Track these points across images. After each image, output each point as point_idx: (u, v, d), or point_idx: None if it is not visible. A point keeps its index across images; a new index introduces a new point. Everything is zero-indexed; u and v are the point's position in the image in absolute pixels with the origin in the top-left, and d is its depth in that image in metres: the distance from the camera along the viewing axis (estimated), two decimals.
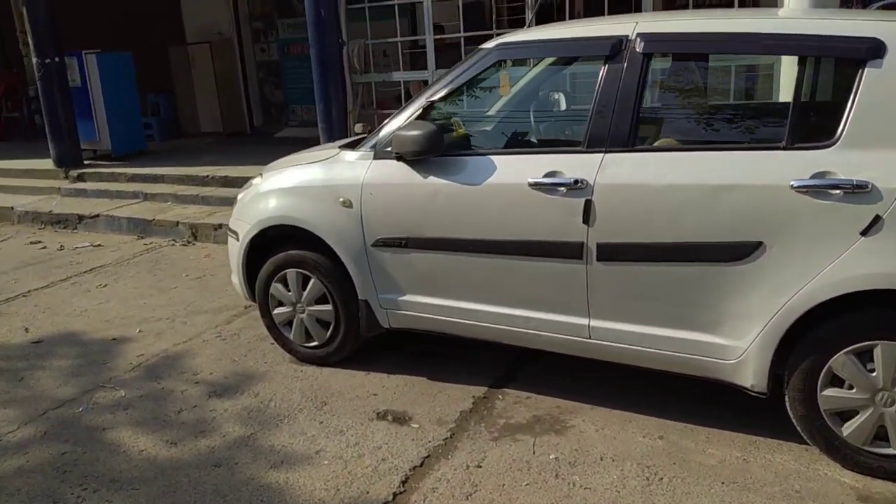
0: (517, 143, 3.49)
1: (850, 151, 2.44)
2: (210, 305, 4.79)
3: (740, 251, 2.60)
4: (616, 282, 2.86)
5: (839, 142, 2.46)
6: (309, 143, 9.26)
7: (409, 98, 4.10)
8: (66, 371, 3.89)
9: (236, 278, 3.93)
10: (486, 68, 3.18)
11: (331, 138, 6.62)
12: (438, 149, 3.08)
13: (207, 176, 7.50)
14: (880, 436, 2.55)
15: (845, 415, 2.60)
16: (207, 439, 3.11)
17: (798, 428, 2.72)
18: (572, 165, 2.87)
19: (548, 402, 3.27)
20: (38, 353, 4.16)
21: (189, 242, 6.46)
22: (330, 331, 3.65)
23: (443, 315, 3.32)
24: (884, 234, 2.38)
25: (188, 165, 8.09)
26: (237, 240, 3.82)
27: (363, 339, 3.64)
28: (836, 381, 2.58)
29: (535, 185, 2.91)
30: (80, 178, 8.17)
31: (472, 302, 3.23)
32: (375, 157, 3.34)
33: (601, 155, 2.82)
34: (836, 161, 2.45)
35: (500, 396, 3.35)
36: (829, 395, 2.59)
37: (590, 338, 3.00)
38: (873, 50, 2.42)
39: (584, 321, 2.98)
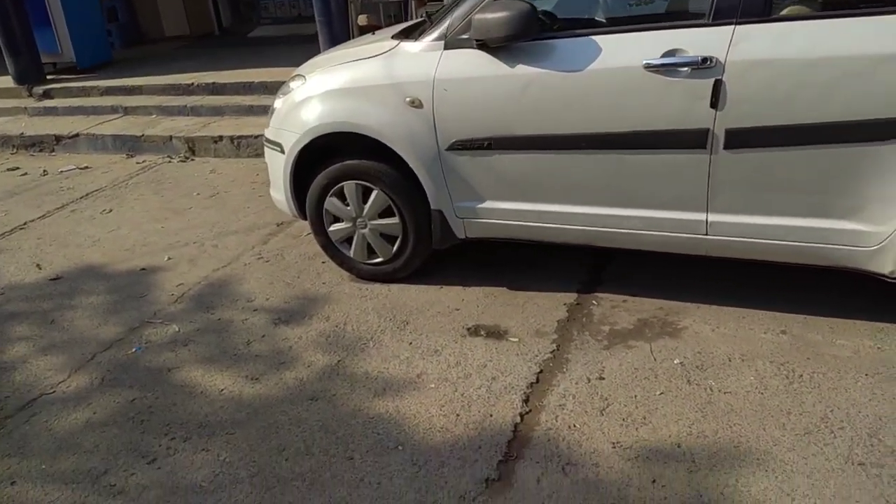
0: (624, 19, 3.11)
1: None
2: (237, 225, 4.42)
3: (893, 128, 2.35)
4: (744, 171, 2.59)
5: None
6: (289, 41, 8.64)
7: None
8: (101, 309, 3.54)
9: (280, 194, 3.56)
10: None
11: (330, 33, 6.09)
12: (533, 31, 2.70)
13: (192, 84, 6.90)
14: None
15: None
16: (292, 371, 2.85)
17: None
18: (696, 42, 2.53)
19: (647, 303, 3.07)
20: (61, 292, 3.77)
21: (187, 158, 5.97)
22: (397, 245, 3.35)
23: (532, 221, 3.04)
24: None
25: (165, 74, 7.43)
26: (281, 152, 3.42)
27: (432, 252, 3.35)
28: None
29: (653, 67, 2.57)
30: (47, 94, 7.46)
31: (567, 204, 2.94)
32: (447, 47, 2.94)
33: (731, 27, 2.48)
34: None
35: (594, 302, 3.13)
36: None
37: (707, 234, 2.76)
38: None
39: (702, 216, 2.74)
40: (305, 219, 3.54)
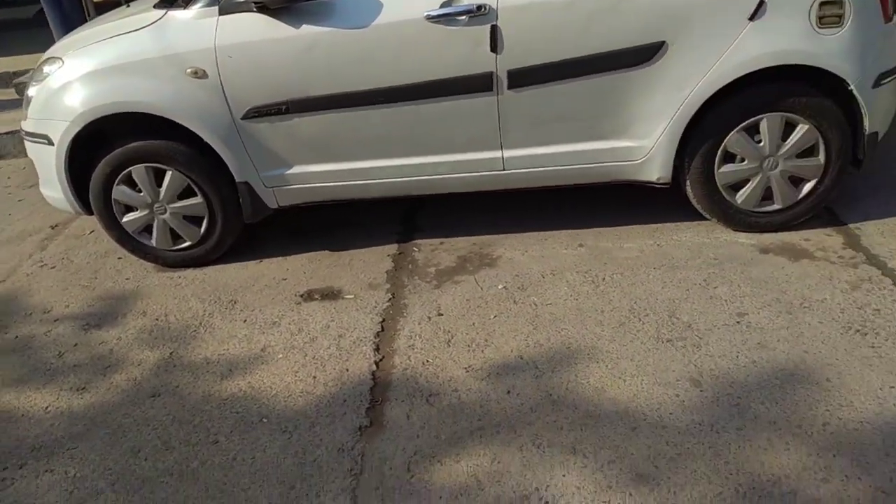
0: None
1: None
2: (2, 236, 3.92)
3: (646, 53, 2.73)
4: (528, 107, 2.86)
5: None
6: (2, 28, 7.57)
7: None
8: None
9: (55, 192, 3.21)
10: None
11: (61, 13, 5.55)
12: None
13: None
14: (766, 196, 3.00)
15: (737, 185, 2.99)
16: (121, 373, 2.65)
17: (698, 207, 3.08)
18: None
19: (463, 242, 3.29)
20: None
21: None
22: (204, 226, 3.21)
23: (341, 180, 3.08)
24: (767, 16, 2.66)
25: None
26: (49, 144, 3.08)
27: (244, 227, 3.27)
28: (728, 158, 2.93)
29: (433, 18, 2.72)
30: None
31: (372, 159, 3.03)
32: (222, 13, 2.84)
33: None
34: None
35: (415, 248, 3.28)
36: (725, 171, 2.94)
37: (504, 169, 3.02)
38: None
39: (498, 154, 2.98)
40: (91, 213, 3.24)
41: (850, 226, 3.03)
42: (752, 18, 2.67)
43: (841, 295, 2.60)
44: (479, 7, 2.70)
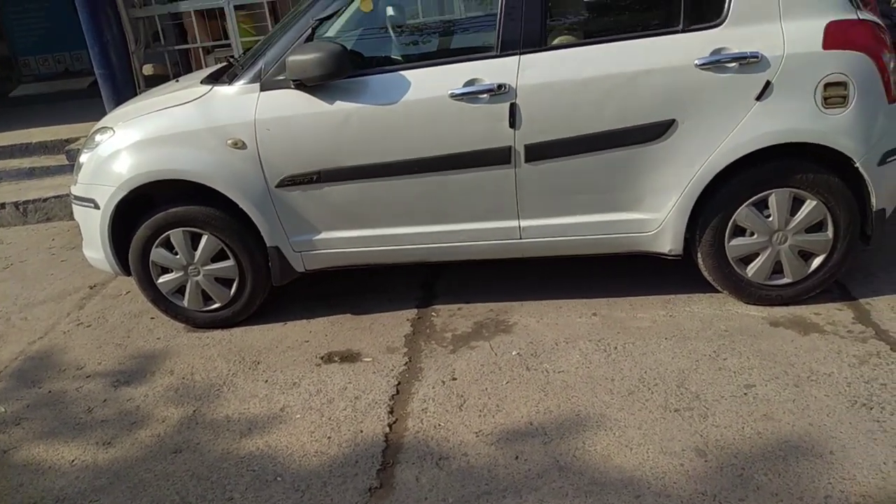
0: (426, 54, 3.40)
1: (737, 28, 2.78)
2: (44, 294, 4.12)
3: (657, 130, 2.86)
4: (544, 179, 3.00)
5: (727, 20, 2.79)
6: (59, 98, 8.08)
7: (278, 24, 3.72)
8: None
9: (97, 253, 3.41)
10: None
11: (114, 85, 5.87)
12: (346, 70, 2.91)
13: None
14: (777, 270, 3.05)
15: (748, 259, 3.06)
16: (146, 429, 2.77)
17: (709, 279, 3.14)
18: (490, 71, 2.89)
19: (479, 308, 3.38)
20: None
21: None
22: (234, 288, 3.37)
23: (366, 246, 3.23)
24: (774, 96, 2.78)
25: None
26: (95, 208, 3.30)
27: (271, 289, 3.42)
28: (738, 232, 3.01)
29: (457, 96, 2.90)
30: None
31: (397, 226, 3.17)
32: (263, 89, 3.06)
33: (517, 57, 2.88)
34: (728, 37, 2.78)
35: (433, 314, 3.39)
36: (736, 245, 3.01)
37: (521, 238, 3.13)
38: None
39: (515, 223, 3.10)
40: (128, 274, 3.43)
41: (861, 301, 3.06)
42: (759, 98, 2.79)
43: (848, 369, 2.62)
44: (500, 86, 2.87)
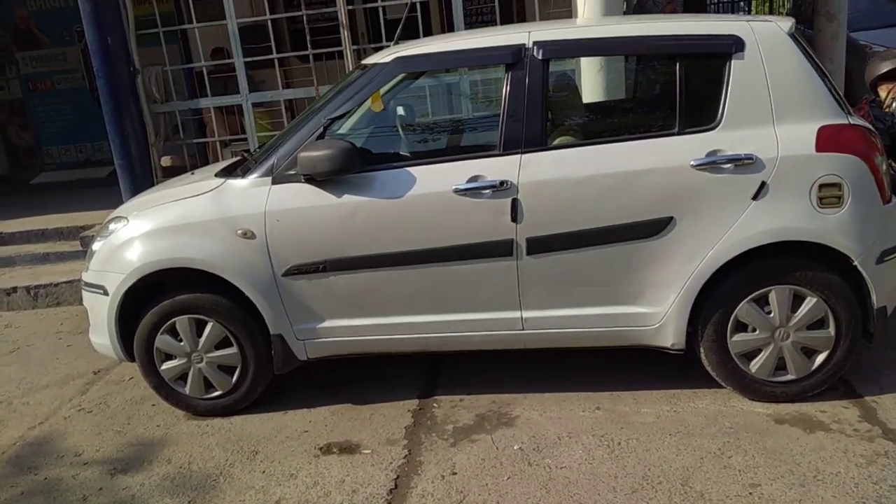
0: (431, 152, 3.54)
1: (732, 131, 2.89)
2: (47, 379, 4.12)
3: (656, 227, 2.93)
4: (546, 272, 3.04)
5: (721, 124, 2.90)
6: (78, 186, 8.32)
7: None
8: None
9: (103, 339, 3.44)
10: (387, 82, 3.19)
11: (132, 175, 6.03)
12: (355, 166, 3.03)
13: None
14: (781, 366, 3.04)
15: (751, 354, 3.05)
16: None
17: (713, 374, 3.13)
18: (493, 168, 3.00)
19: (482, 399, 3.36)
20: None
21: None
22: (236, 376, 3.37)
23: (369, 335, 3.25)
24: (770, 196, 2.86)
25: None
26: (104, 294, 3.35)
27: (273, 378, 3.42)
28: (740, 328, 3.02)
29: (461, 191, 2.99)
30: None
31: (400, 315, 3.21)
32: (275, 182, 3.17)
33: (519, 156, 2.99)
34: (723, 140, 2.89)
35: (434, 405, 3.36)
36: (738, 340, 3.02)
37: (523, 329, 3.15)
38: (737, 45, 2.89)
39: (517, 314, 3.13)
40: (133, 360, 3.44)
41: (867, 398, 3.03)
42: (755, 198, 2.87)
43: (856, 469, 2.57)
44: (502, 183, 2.97)
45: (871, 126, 3.09)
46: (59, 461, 3.20)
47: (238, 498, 2.79)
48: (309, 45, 5.61)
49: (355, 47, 5.76)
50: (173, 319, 3.32)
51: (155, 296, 3.36)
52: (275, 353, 3.30)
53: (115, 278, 3.30)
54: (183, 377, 3.41)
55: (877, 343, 3.04)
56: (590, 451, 2.88)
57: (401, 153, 3.73)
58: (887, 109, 4.39)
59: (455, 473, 2.81)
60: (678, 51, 2.97)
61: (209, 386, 3.41)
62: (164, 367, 3.40)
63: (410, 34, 5.15)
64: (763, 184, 2.85)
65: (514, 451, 2.92)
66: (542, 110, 3.00)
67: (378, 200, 3.06)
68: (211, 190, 3.29)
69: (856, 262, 2.87)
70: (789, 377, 3.04)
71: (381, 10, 5.61)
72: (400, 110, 4.08)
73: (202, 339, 3.32)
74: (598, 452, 2.86)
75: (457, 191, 3.00)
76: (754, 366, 3.05)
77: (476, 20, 7.87)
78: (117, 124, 5.90)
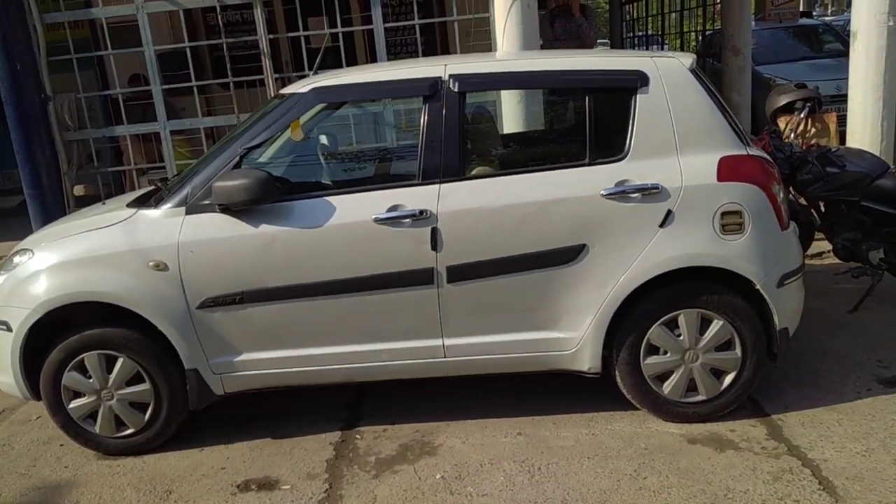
0: (351, 181, 3.53)
1: (639, 162, 3.01)
2: None
3: (569, 254, 3.01)
4: (466, 299, 3.08)
5: (629, 155, 3.02)
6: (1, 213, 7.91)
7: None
8: None
9: (7, 377, 3.26)
10: (304, 111, 3.19)
11: (43, 205, 5.83)
12: (272, 196, 3.00)
13: None
14: (692, 387, 3.15)
15: (663, 376, 3.15)
16: None
17: (628, 396, 3.21)
18: (413, 198, 3.03)
19: (405, 429, 3.35)
20: None
21: None
22: (149, 413, 3.25)
23: (288, 367, 3.20)
24: (676, 224, 2.98)
25: None
26: (7, 330, 3.19)
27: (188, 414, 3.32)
28: (653, 350, 3.12)
29: (381, 220, 3.01)
30: None
31: (320, 346, 3.17)
32: (189, 212, 3.10)
33: (438, 185, 3.03)
34: (630, 170, 3.00)
35: (357, 436, 3.33)
36: (651, 363, 3.12)
37: (445, 357, 3.17)
38: (642, 80, 3.02)
39: (439, 342, 3.15)
40: (39, 399, 3.28)
41: (773, 416, 3.17)
42: (662, 226, 2.99)
43: (763, 486, 2.67)
44: (421, 212, 3.00)
45: (768, 156, 3.28)
46: None
47: None
48: (230, 73, 5.54)
49: (278, 76, 5.73)
50: (82, 355, 3.19)
51: (61, 331, 3.22)
52: (190, 389, 3.21)
53: (19, 313, 3.15)
54: (93, 415, 3.27)
55: (781, 363, 3.19)
56: (511, 477, 2.90)
57: (322, 182, 3.72)
58: (786, 140, 4.66)
59: None
60: (587, 85, 3.09)
61: (120, 424, 3.28)
62: (72, 405, 3.25)
63: (334, 64, 5.19)
64: (669, 212, 2.98)
65: (437, 481, 2.92)
66: (459, 141, 3.06)
67: (296, 230, 3.04)
68: (122, 220, 3.20)
69: (758, 286, 3.01)
70: (700, 398, 3.15)
71: (303, 39, 5.60)
72: (323, 139, 4.08)
73: (112, 376, 3.20)
74: (518, 478, 2.88)
75: (377, 220, 3.01)
76: (667, 387, 3.15)
77: (400, 51, 7.96)
78: (27, 153, 5.70)
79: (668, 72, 3.06)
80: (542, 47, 7.08)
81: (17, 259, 3.31)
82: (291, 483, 2.98)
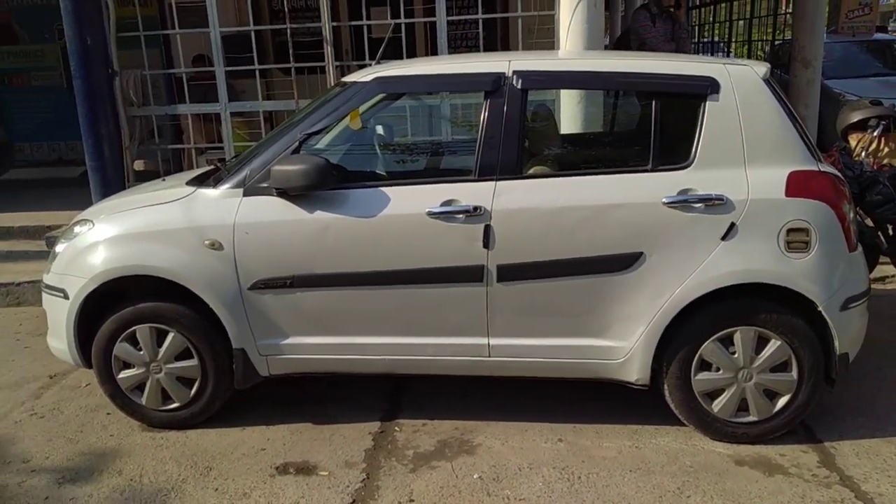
0: (407, 173, 3.52)
1: (704, 171, 2.92)
2: (1, 380, 4.00)
3: (625, 261, 2.94)
4: (515, 300, 3.03)
5: (694, 163, 2.93)
6: (49, 185, 8.17)
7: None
8: None
9: (61, 343, 3.35)
10: (366, 101, 3.18)
11: (103, 178, 5.93)
12: (329, 183, 3.00)
13: None
14: (743, 407, 3.05)
15: (714, 394, 3.06)
16: None
17: (675, 411, 3.13)
18: (467, 193, 2.99)
19: (445, 425, 3.32)
20: None
21: None
22: (195, 389, 3.30)
23: (333, 354, 3.21)
24: (738, 237, 2.88)
25: None
26: (64, 298, 3.27)
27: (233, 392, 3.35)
28: (705, 366, 3.03)
29: (434, 214, 2.98)
30: None
31: (365, 336, 3.17)
32: (246, 194, 3.13)
33: (494, 183, 2.99)
34: (694, 179, 2.91)
35: (396, 428, 3.32)
36: (702, 379, 3.03)
37: (489, 356, 3.13)
38: (712, 87, 2.93)
39: (484, 341, 3.11)
40: (90, 367, 3.36)
41: (826, 444, 3.05)
42: (724, 238, 2.89)
43: None
44: (476, 208, 2.96)
45: (840, 174, 3.15)
46: (5, 467, 3.09)
47: None
48: (292, 59, 5.58)
49: (338, 63, 5.75)
50: (134, 328, 3.25)
51: (116, 302, 3.29)
52: (236, 368, 3.24)
53: (77, 282, 3.23)
54: (140, 387, 3.33)
55: (838, 389, 3.06)
56: (549, 483, 2.85)
57: (376, 172, 3.72)
58: (857, 158, 4.49)
59: (412, 500, 2.77)
60: (655, 89, 3.01)
61: (166, 397, 3.33)
62: (121, 375, 3.32)
63: (395, 54, 5.18)
64: (732, 224, 2.88)
65: (474, 480, 2.89)
66: (518, 139, 3.01)
67: (350, 219, 3.04)
68: (181, 198, 3.24)
69: (820, 308, 2.90)
70: (751, 419, 3.05)
71: (366, 28, 5.60)
72: (379, 129, 4.07)
73: (162, 350, 3.25)
74: (557, 485, 2.84)
75: (430, 213, 2.98)
76: (717, 405, 3.05)
77: (459, 45, 7.93)
78: (92, 126, 5.81)
79: (741, 80, 2.96)
80: (639, 44, 6.94)
81: (77, 229, 3.39)
82: (329, 470, 2.99)
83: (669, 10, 7.12)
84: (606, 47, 5.74)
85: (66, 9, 5.47)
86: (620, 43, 7.17)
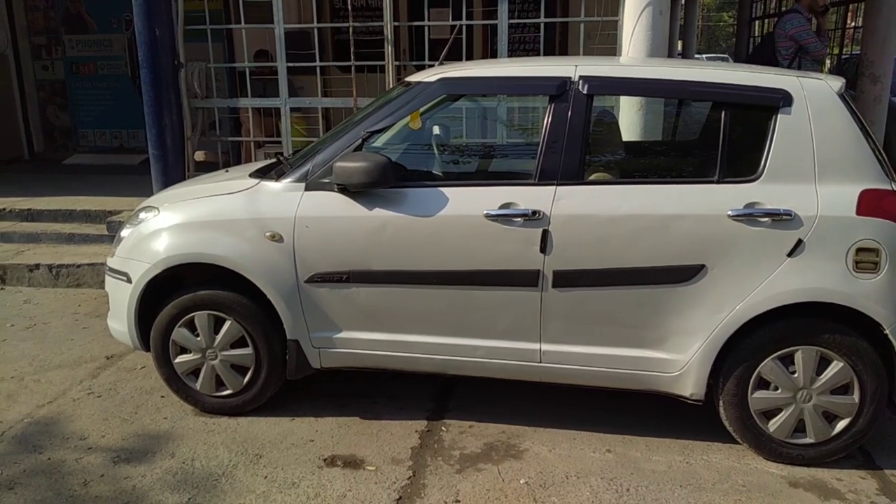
0: (466, 174, 3.53)
1: (772, 185, 2.86)
2: (60, 358, 4.13)
3: (686, 273, 2.89)
4: (570, 306, 3.01)
5: (762, 176, 2.87)
6: (110, 171, 8.42)
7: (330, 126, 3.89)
8: None
9: (121, 325, 3.44)
10: (429, 101, 3.20)
11: (165, 167, 6.07)
12: (390, 181, 3.02)
13: (3, 209, 6.44)
14: (799, 428, 2.98)
15: (770, 413, 2.99)
16: None
17: (730, 428, 3.06)
18: (527, 197, 2.98)
19: (492, 428, 3.32)
20: None
21: None
22: (248, 376, 3.36)
23: (385, 350, 3.23)
24: (805, 255, 2.81)
25: None
26: (127, 281, 3.36)
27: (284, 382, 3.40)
28: (762, 384, 2.96)
29: (492, 216, 2.98)
30: None
31: (417, 334, 3.18)
32: (308, 189, 3.17)
33: (554, 187, 2.97)
34: (762, 193, 2.85)
35: (443, 428, 3.32)
36: (759, 397, 2.96)
37: (541, 362, 3.11)
38: (785, 99, 2.87)
39: (536, 346, 3.09)
40: (147, 350, 3.44)
41: (886, 471, 2.95)
42: (790, 255, 2.82)
43: None
44: (534, 212, 2.95)
45: None
46: (63, 443, 3.19)
47: (238, 501, 2.77)
48: (353, 56, 5.64)
49: (397, 63, 5.78)
50: (192, 314, 3.32)
51: (174, 289, 3.36)
52: (289, 359, 3.29)
53: (140, 267, 3.31)
54: (195, 372, 3.41)
55: None
56: (597, 494, 2.82)
57: (433, 172, 3.73)
58: None
59: (458, 501, 2.77)
60: (725, 99, 2.95)
61: (220, 384, 3.40)
62: (177, 360, 3.39)
63: (454, 56, 5.19)
64: (800, 241, 2.81)
65: (520, 485, 2.88)
66: (581, 144, 2.99)
67: (408, 217, 3.05)
68: (244, 189, 3.30)
69: (887, 331, 2.81)
70: (808, 440, 2.98)
71: (426, 28, 5.63)
72: (436, 129, 4.09)
73: (219, 337, 3.32)
74: (605, 496, 2.80)
75: (488, 216, 2.98)
76: (773, 425, 2.98)
77: (518, 48, 7.91)
78: (156, 115, 5.95)
79: (815, 93, 2.89)
80: (795, 51, 6.50)
81: (142, 215, 3.48)
82: (376, 465, 3.01)
83: (823, 11, 6.59)
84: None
85: (137, 1, 5.62)
86: (763, 52, 6.66)
